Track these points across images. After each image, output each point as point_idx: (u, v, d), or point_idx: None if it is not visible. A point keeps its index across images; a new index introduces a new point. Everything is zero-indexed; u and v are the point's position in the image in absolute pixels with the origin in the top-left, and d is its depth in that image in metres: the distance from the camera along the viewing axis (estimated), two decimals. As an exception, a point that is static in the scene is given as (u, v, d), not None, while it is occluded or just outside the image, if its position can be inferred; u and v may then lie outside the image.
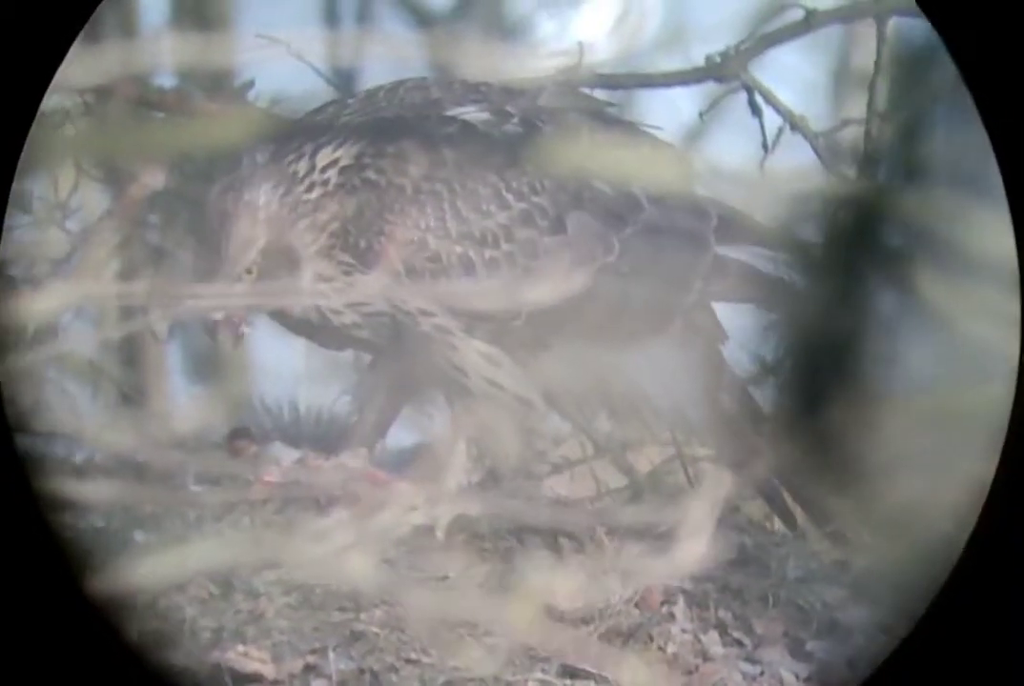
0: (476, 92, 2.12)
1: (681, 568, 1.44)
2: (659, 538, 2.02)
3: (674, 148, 2.27)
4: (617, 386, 2.12)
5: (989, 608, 1.67)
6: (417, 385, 2.14)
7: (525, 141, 2.07)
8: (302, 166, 2.07)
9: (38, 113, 2.24)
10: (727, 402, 2.15)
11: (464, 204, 2.04)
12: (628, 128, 2.19)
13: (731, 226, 2.14)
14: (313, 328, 2.10)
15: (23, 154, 1.99)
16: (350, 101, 2.14)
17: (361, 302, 2.05)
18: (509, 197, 2.06)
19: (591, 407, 2.16)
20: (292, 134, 2.10)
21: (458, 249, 2.04)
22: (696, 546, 1.44)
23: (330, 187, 2.06)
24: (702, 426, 2.16)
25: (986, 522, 1.67)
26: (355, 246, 2.03)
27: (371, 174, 2.05)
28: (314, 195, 2.06)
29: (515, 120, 2.09)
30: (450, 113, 2.09)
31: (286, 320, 2.10)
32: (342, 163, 2.06)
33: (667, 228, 2.11)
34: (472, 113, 2.09)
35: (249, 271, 2.04)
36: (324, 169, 2.06)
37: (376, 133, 2.07)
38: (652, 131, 2.20)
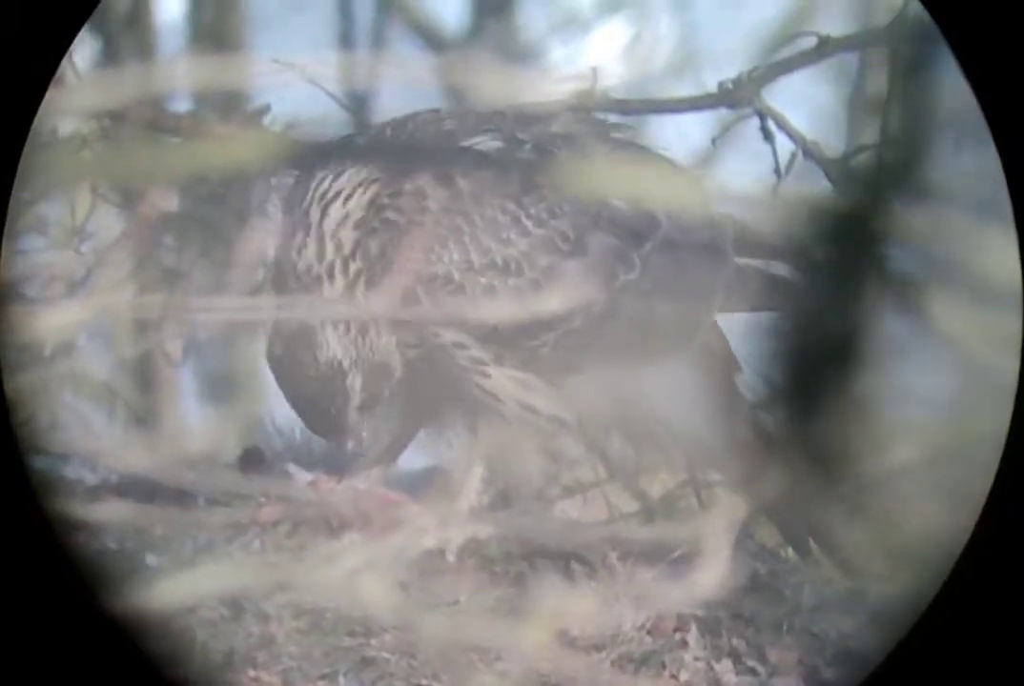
0: (489, 121, 2.13)
1: (696, 594, 1.44)
2: (674, 564, 2.01)
3: (688, 169, 2.28)
4: (638, 408, 2.12)
5: (984, 617, 1.66)
6: (438, 411, 2.14)
7: (539, 167, 2.08)
8: (314, 212, 2.07)
9: (44, 134, 2.26)
10: (741, 427, 2.15)
11: (484, 234, 2.05)
12: (641, 151, 2.20)
13: (748, 239, 2.15)
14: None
15: (40, 178, 2.00)
16: (359, 138, 2.14)
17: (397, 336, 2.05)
18: (528, 224, 2.07)
19: (612, 429, 2.16)
20: (303, 174, 2.10)
21: (483, 280, 2.05)
22: (711, 572, 1.43)
23: (348, 240, 2.06)
24: (716, 451, 2.16)
25: (980, 537, 1.67)
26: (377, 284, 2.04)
27: (390, 214, 2.05)
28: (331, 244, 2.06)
29: (528, 146, 2.09)
30: (464, 143, 2.09)
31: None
32: (354, 216, 2.06)
33: (685, 242, 2.12)
34: (485, 142, 2.09)
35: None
36: (339, 225, 2.06)
37: (391, 170, 2.07)
38: (664, 154, 2.21)
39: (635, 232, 2.10)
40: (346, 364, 2.06)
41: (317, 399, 2.07)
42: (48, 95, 1.79)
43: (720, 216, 2.17)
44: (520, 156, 2.09)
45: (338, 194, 2.07)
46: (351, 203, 2.07)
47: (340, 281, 2.05)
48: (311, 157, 2.11)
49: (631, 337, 2.08)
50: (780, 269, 2.16)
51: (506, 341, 2.05)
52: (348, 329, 2.05)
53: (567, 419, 2.09)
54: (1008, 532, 1.67)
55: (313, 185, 2.08)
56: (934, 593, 1.68)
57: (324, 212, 2.06)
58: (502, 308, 1.99)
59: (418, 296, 2.02)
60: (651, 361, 2.10)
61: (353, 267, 2.05)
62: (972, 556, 1.67)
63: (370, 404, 2.08)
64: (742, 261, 2.16)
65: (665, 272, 2.10)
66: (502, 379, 2.06)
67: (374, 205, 2.05)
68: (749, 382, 2.19)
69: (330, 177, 2.08)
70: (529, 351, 2.05)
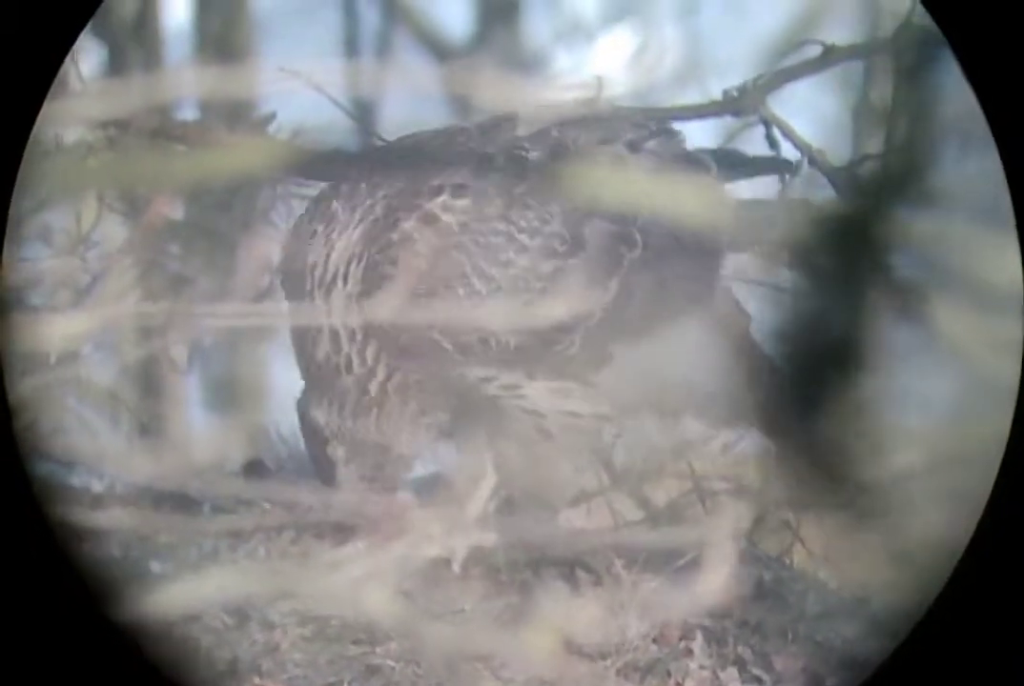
0: (454, 144, 2.11)
1: (701, 602, 1.43)
2: (679, 571, 2.01)
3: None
4: (665, 380, 2.11)
5: (983, 621, 1.66)
6: (463, 418, 2.14)
7: (514, 177, 2.08)
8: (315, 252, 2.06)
9: (49, 142, 2.26)
10: (761, 378, 2.12)
11: (484, 262, 2.05)
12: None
13: (744, 236, 2.15)
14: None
15: (45, 186, 2.01)
16: (340, 186, 2.12)
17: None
18: (523, 238, 2.06)
19: (643, 409, 2.15)
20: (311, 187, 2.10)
21: (495, 304, 2.05)
22: (716, 580, 1.43)
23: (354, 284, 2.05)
24: (743, 408, 2.13)
25: (980, 542, 1.67)
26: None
27: (387, 268, 2.03)
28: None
29: (500, 159, 2.08)
30: (434, 183, 2.07)
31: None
32: (355, 254, 2.05)
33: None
34: (455, 173, 2.07)
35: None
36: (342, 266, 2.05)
37: (375, 229, 2.06)
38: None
39: (629, 214, 2.10)
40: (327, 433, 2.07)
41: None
42: (50, 102, 1.80)
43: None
44: (491, 175, 2.08)
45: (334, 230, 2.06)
46: (350, 238, 2.06)
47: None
48: (317, 169, 2.11)
49: (649, 311, 2.07)
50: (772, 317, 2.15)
51: (532, 356, 2.04)
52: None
53: (607, 413, 2.08)
54: (1009, 538, 1.66)
55: (316, 207, 2.08)
56: (936, 599, 1.68)
57: (328, 240, 2.06)
58: (517, 323, 1.99)
59: (434, 338, 2.02)
60: (675, 319, 2.07)
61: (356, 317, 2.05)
62: (973, 561, 1.66)
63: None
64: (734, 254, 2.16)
65: (665, 240, 2.09)
66: (539, 393, 2.06)
67: (368, 252, 2.05)
68: (761, 331, 2.18)
69: (335, 201, 2.08)
70: (558, 356, 2.05)
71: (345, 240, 2.06)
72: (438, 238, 2.04)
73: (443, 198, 2.07)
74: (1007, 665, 1.65)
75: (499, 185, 2.07)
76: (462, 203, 2.06)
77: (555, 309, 2.04)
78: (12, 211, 1.74)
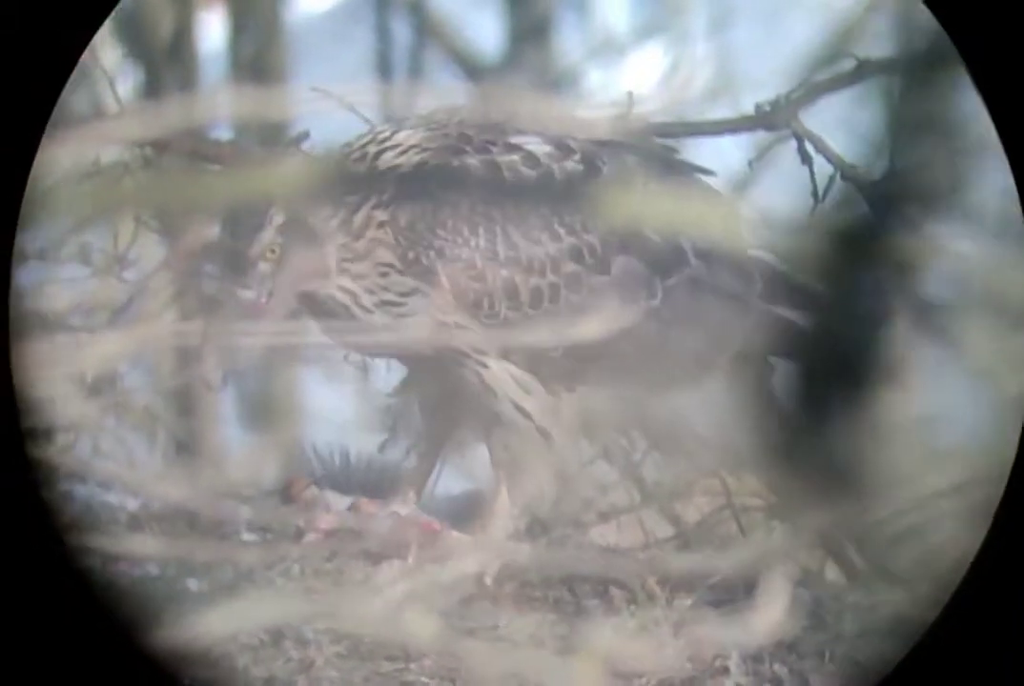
0: (539, 122, 2.13)
1: (759, 636, 1.43)
2: (731, 604, 1.99)
3: (726, 198, 2.27)
4: (660, 421, 2.11)
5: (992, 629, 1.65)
6: (451, 414, 2.14)
7: (583, 179, 2.08)
8: (361, 168, 2.07)
9: (88, 163, 2.29)
10: (777, 431, 2.12)
11: (515, 230, 2.05)
12: (684, 174, 2.19)
13: (776, 288, 2.14)
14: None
15: (83, 207, 2.03)
16: (408, 119, 2.15)
17: (396, 301, 2.05)
18: (560, 231, 2.07)
19: (631, 442, 2.15)
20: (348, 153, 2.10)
21: (504, 273, 2.04)
22: (774, 614, 1.41)
23: (387, 194, 2.05)
24: (752, 460, 2.14)
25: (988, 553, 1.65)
26: (403, 257, 2.04)
27: (432, 185, 2.06)
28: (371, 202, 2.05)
29: (576, 157, 2.09)
30: (513, 140, 2.10)
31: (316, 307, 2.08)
32: (403, 170, 2.05)
33: (711, 286, 2.12)
34: (536, 144, 2.10)
35: (272, 251, 2.03)
36: (385, 172, 2.05)
37: (440, 147, 2.07)
38: (706, 179, 2.20)
39: (663, 265, 2.10)
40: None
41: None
42: (88, 123, 1.81)
43: (750, 262, 2.16)
44: (567, 165, 2.09)
45: (389, 150, 2.04)
46: (402, 159, 2.04)
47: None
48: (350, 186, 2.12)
49: (644, 359, 2.07)
50: (803, 319, 2.13)
51: (523, 348, 2.04)
52: None
53: (553, 433, 2.07)
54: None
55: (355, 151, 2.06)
56: (950, 605, 1.66)
57: (373, 165, 2.04)
58: (536, 335, 1.99)
59: (439, 277, 2.01)
60: (666, 385, 2.09)
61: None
62: (987, 577, 1.65)
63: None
64: (766, 308, 2.15)
65: (687, 308, 2.09)
66: (501, 373, 2.05)
67: (419, 172, 2.04)
68: (783, 385, 2.17)
69: (381, 147, 2.06)
70: (538, 353, 2.05)
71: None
72: (489, 189, 2.04)
73: (514, 158, 2.06)
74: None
75: (565, 178, 2.07)
76: (526, 172, 2.06)
77: (560, 314, 2.04)
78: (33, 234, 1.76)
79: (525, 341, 2.01)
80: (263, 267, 2.01)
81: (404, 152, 2.07)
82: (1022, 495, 1.65)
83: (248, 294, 2.00)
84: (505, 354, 2.04)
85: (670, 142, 2.35)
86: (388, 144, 2.08)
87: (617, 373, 2.07)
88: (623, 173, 2.10)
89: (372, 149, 2.09)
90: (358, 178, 2.06)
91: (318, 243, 2.04)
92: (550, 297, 2.05)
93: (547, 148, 2.09)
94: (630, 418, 2.11)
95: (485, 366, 2.04)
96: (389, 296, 2.04)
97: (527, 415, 2.06)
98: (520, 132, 2.10)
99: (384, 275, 2.04)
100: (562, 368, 2.05)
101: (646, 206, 2.09)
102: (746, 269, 2.15)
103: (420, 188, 2.05)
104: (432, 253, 2.03)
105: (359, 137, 2.12)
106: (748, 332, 2.12)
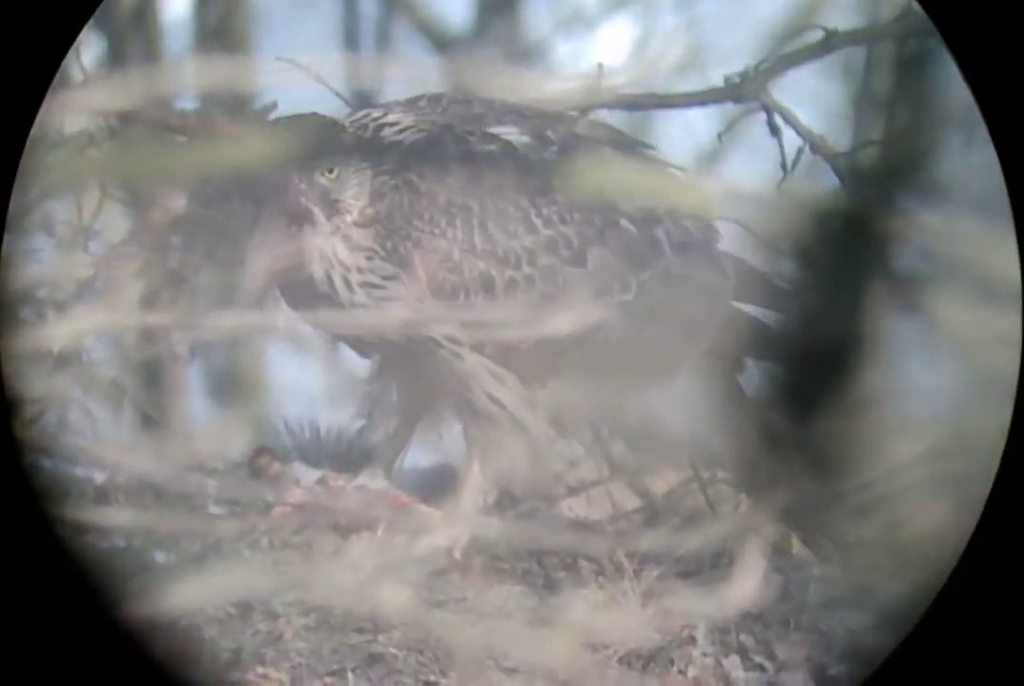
0: (517, 113, 2.14)
1: (732, 606, 1.44)
2: (698, 575, 2.01)
3: (698, 185, 2.28)
4: (631, 414, 2.12)
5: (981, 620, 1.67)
6: (427, 397, 2.15)
7: (560, 169, 2.08)
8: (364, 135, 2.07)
9: (51, 133, 2.26)
10: (746, 428, 2.14)
11: (493, 223, 2.05)
12: (656, 163, 2.20)
13: (749, 286, 2.15)
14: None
15: (47, 177, 2.01)
16: (390, 105, 2.15)
17: (377, 283, 2.05)
18: (538, 222, 2.07)
19: (604, 435, 2.16)
20: (333, 132, 2.10)
21: (480, 264, 2.05)
22: (749, 585, 1.42)
23: (372, 183, 2.05)
24: (721, 452, 2.16)
25: (982, 533, 1.67)
26: (383, 245, 2.04)
27: (412, 176, 2.05)
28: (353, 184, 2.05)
29: (554, 147, 2.10)
30: (492, 130, 2.10)
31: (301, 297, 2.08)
32: (402, 146, 2.06)
33: (686, 279, 2.13)
34: (514, 134, 2.11)
35: (331, 170, 2.02)
36: (388, 146, 2.05)
37: (422, 138, 2.08)
38: (677, 170, 2.21)
39: (638, 256, 2.10)
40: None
41: None
42: (52, 93, 1.79)
43: (725, 257, 2.16)
44: (545, 155, 2.09)
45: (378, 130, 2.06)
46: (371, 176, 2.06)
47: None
48: (339, 125, 2.10)
49: (616, 353, 2.08)
50: (774, 317, 2.15)
51: (495, 341, 2.05)
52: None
53: (529, 423, 2.08)
54: (1010, 528, 1.67)
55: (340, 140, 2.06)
56: (939, 589, 1.68)
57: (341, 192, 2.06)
58: (508, 327, 1.99)
59: (415, 268, 2.02)
60: (637, 379, 2.10)
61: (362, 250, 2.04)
62: (975, 552, 1.67)
63: None
64: (738, 306, 2.16)
65: (660, 302, 2.10)
66: (475, 366, 2.06)
67: (399, 171, 2.05)
68: (753, 380, 2.19)
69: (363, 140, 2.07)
70: (511, 345, 2.05)
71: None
72: (466, 180, 2.05)
73: (493, 148, 2.07)
74: (1011, 659, 1.66)
75: (543, 168, 2.08)
76: (504, 163, 2.06)
77: (533, 306, 2.04)
78: (13, 203, 1.75)
79: (496, 334, 2.02)
80: (321, 180, 2.02)
81: (401, 131, 2.08)
82: (1013, 479, 1.66)
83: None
84: (479, 347, 2.04)
85: (634, 116, 2.35)
86: (385, 121, 2.09)
87: (590, 368, 2.08)
88: (598, 160, 2.10)
89: (370, 124, 2.09)
90: (363, 146, 2.06)
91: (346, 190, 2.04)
92: (524, 289, 2.05)
93: (525, 139, 2.10)
94: (602, 414, 2.12)
95: (460, 357, 2.05)
96: (373, 278, 2.05)
97: (501, 406, 2.07)
98: (499, 122, 2.11)
99: (369, 259, 2.05)
100: (534, 361, 2.06)
101: (620, 187, 2.09)
102: (720, 263, 2.15)
103: (402, 179, 2.06)
104: (409, 244, 2.04)
105: (349, 115, 2.12)
106: (720, 328, 2.13)
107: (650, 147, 2.21)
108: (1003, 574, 1.67)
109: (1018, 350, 1.68)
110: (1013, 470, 1.65)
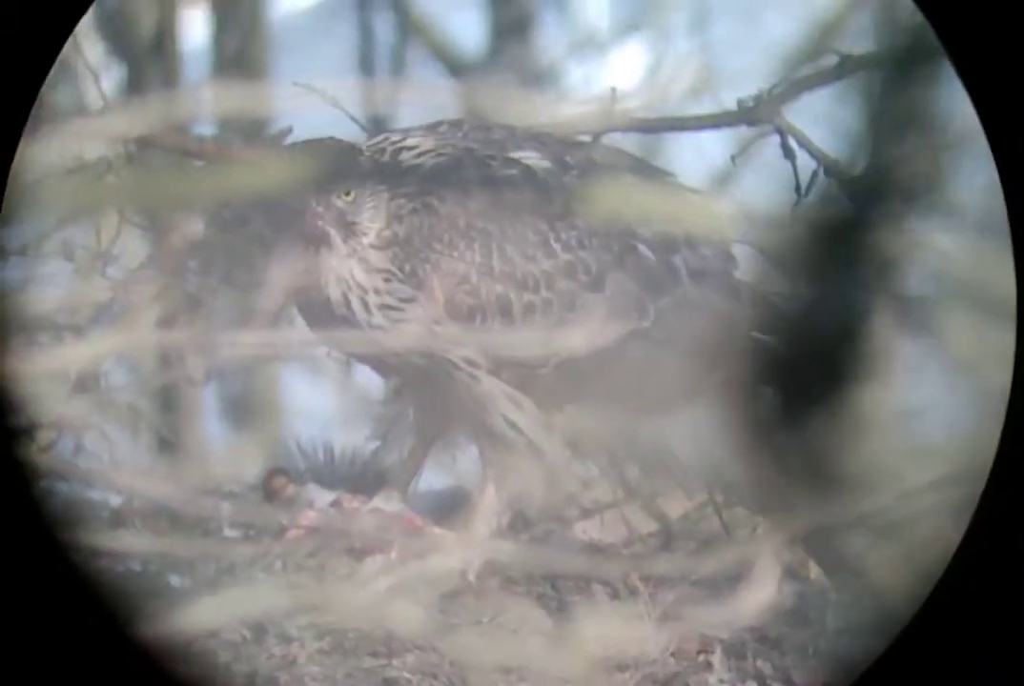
0: (536, 139, 2.15)
1: (743, 618, 1.43)
2: (715, 586, 2.00)
3: (716, 209, 2.29)
4: (647, 440, 2.12)
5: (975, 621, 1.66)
6: (443, 419, 2.15)
7: (579, 193, 2.09)
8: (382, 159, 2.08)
9: (71, 159, 2.28)
10: (762, 454, 2.13)
11: (511, 246, 2.06)
12: (674, 188, 2.21)
13: (765, 315, 2.15)
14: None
15: (66, 203, 2.03)
16: (410, 130, 2.16)
17: (395, 306, 2.06)
18: (556, 247, 2.08)
19: (620, 460, 2.16)
20: (353, 154, 2.11)
21: (498, 288, 2.06)
22: (762, 597, 1.42)
23: (389, 206, 2.06)
24: (737, 482, 2.15)
25: (977, 554, 1.67)
26: (401, 268, 2.05)
27: (432, 199, 2.07)
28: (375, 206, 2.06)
29: (575, 172, 2.12)
30: (513, 155, 2.12)
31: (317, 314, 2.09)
32: (421, 171, 2.07)
33: (704, 307, 2.13)
34: (534, 159, 2.12)
35: (347, 193, 2.03)
36: (406, 170, 2.07)
37: (442, 162, 2.09)
38: (695, 194, 2.22)
39: (656, 283, 2.11)
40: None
41: None
42: (72, 119, 1.81)
43: (743, 285, 2.17)
44: (565, 180, 2.11)
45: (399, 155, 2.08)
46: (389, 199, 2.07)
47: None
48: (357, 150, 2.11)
49: (633, 380, 2.08)
50: (786, 346, 2.15)
51: (510, 360, 2.05)
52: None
53: (545, 449, 2.09)
54: (1009, 549, 1.66)
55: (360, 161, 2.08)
56: (953, 612, 1.67)
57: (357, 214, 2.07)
58: (522, 346, 2.00)
59: (434, 291, 2.03)
60: (654, 407, 2.10)
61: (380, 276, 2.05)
62: (978, 573, 1.66)
63: None
64: (753, 334, 2.16)
65: (678, 329, 2.10)
66: (492, 389, 2.06)
67: (419, 194, 2.06)
68: (768, 406, 2.18)
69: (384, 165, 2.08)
70: (528, 369, 2.06)
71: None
72: (487, 204, 2.06)
73: (513, 173, 2.08)
74: (1016, 670, 1.65)
75: (564, 193, 2.09)
76: (525, 188, 2.08)
77: (550, 327, 2.04)
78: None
79: (513, 352, 2.02)
80: (337, 202, 2.04)
81: (421, 154, 2.10)
82: (1003, 488, 1.66)
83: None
84: (496, 370, 2.05)
85: (647, 139, 2.36)
86: (404, 145, 2.11)
87: (606, 393, 2.09)
88: (617, 185, 2.12)
89: (388, 148, 2.11)
90: (380, 169, 2.08)
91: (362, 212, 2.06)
92: (542, 313, 2.06)
93: (545, 164, 2.11)
94: (618, 439, 2.13)
95: (477, 380, 2.06)
96: (391, 300, 2.06)
97: (518, 430, 2.08)
98: (520, 147, 2.12)
99: (387, 281, 2.06)
100: (552, 386, 2.07)
101: (638, 212, 2.10)
102: (738, 293, 2.17)
103: (423, 202, 2.07)
104: (427, 266, 2.05)
105: (367, 139, 2.14)
106: (737, 356, 2.13)
107: (669, 174, 2.22)
108: (1001, 591, 1.66)
109: (1010, 367, 1.68)
110: (1003, 482, 1.65)
